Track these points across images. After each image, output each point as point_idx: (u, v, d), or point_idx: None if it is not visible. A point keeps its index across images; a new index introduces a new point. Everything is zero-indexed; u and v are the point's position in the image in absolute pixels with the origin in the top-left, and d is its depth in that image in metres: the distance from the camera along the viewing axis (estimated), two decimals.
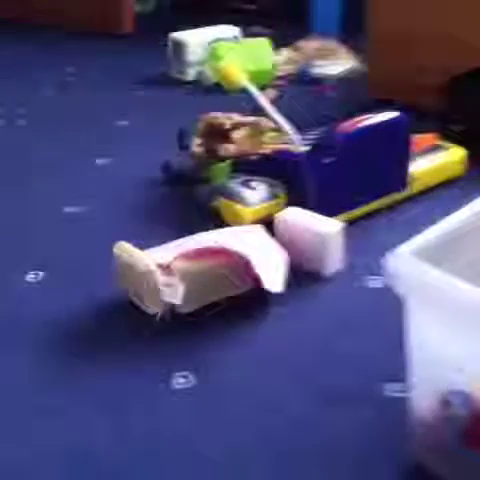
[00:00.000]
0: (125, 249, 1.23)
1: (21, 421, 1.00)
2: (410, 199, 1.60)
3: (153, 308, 1.19)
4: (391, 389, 1.05)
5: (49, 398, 1.05)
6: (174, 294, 1.15)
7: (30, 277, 1.35)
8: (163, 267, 1.18)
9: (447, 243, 0.85)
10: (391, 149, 1.50)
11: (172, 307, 1.18)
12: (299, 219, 1.34)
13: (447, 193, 1.64)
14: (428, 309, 0.79)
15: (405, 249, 0.81)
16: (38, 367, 1.11)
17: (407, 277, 0.79)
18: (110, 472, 0.92)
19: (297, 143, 1.49)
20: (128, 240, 1.26)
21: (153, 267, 1.17)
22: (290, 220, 1.35)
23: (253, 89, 1.49)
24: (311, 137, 1.58)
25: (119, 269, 1.26)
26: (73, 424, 1.00)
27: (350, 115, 1.50)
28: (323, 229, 1.31)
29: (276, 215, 1.37)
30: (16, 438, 0.97)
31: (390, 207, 1.56)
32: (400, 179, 1.55)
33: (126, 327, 1.20)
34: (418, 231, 1.42)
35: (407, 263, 0.79)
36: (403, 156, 1.54)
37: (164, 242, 1.30)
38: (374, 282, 1.31)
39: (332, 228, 1.32)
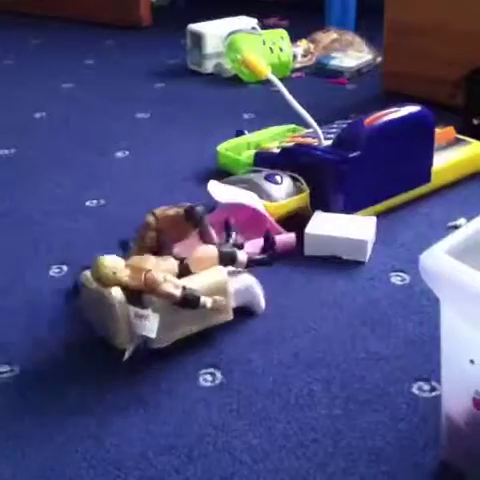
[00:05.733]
0: (93, 276, 1.08)
1: (51, 419, 1.00)
2: (430, 194, 1.58)
3: (123, 344, 1.07)
4: (418, 388, 1.04)
5: (77, 396, 1.04)
6: (148, 327, 1.04)
7: (53, 272, 1.34)
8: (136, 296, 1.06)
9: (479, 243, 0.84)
10: (415, 143, 1.49)
11: (145, 342, 1.07)
12: (331, 231, 1.36)
13: (468, 188, 1.62)
14: (462, 309, 0.78)
15: (439, 248, 0.79)
16: (68, 364, 1.11)
17: (441, 276, 0.77)
18: (139, 469, 0.92)
19: (321, 137, 1.48)
20: None
21: (123, 298, 1.06)
22: (322, 234, 1.36)
23: (277, 81, 1.48)
24: (334, 131, 1.57)
25: (84, 299, 1.15)
26: (102, 422, 0.99)
27: (372, 108, 1.48)
28: (363, 235, 1.35)
29: (306, 231, 1.36)
30: (47, 437, 0.97)
31: (410, 202, 1.54)
32: (424, 173, 1.54)
33: None
34: (439, 227, 1.43)
35: (441, 262, 0.78)
36: (427, 150, 1.52)
37: None
38: (397, 278, 1.30)
39: (369, 231, 1.36)
